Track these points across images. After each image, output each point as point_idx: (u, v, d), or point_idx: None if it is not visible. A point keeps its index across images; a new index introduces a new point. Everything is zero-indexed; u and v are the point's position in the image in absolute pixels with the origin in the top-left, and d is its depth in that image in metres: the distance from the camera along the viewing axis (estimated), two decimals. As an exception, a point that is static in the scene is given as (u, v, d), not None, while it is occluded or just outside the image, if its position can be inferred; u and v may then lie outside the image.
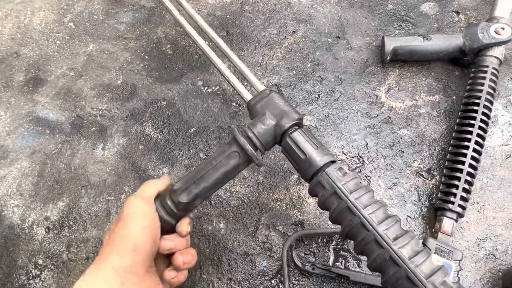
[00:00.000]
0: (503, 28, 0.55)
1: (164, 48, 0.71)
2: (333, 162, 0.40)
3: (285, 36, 0.68)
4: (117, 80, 0.68)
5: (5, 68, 0.71)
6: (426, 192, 0.53)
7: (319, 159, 0.40)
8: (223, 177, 0.43)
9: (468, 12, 0.66)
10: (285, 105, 0.44)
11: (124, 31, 0.74)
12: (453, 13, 0.66)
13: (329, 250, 0.50)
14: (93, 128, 0.63)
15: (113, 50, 0.72)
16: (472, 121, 0.51)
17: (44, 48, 0.74)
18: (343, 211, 0.38)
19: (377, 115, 0.59)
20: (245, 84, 0.61)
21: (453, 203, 0.47)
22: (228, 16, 0.72)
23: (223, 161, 0.42)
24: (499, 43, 0.55)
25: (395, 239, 0.35)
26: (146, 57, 0.70)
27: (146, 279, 0.38)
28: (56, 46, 0.74)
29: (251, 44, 0.68)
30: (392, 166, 0.55)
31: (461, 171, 0.49)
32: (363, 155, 0.56)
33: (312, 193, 0.41)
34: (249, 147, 0.41)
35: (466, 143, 0.50)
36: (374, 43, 0.65)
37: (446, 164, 0.52)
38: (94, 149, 0.62)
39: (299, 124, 0.44)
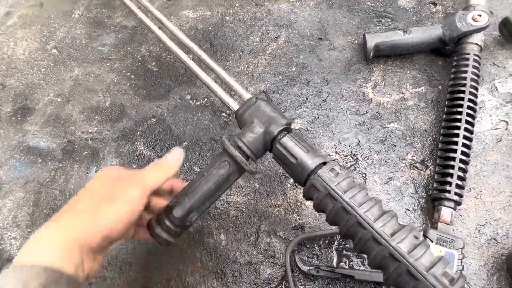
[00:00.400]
0: (479, 15, 0.55)
1: (149, 65, 0.71)
2: (324, 163, 0.41)
3: (268, 43, 0.69)
4: (105, 101, 0.68)
5: (-8, 101, 0.71)
6: (422, 184, 0.53)
7: (311, 162, 0.40)
8: (216, 189, 0.43)
9: (445, 3, 0.67)
10: (272, 112, 0.45)
11: (108, 52, 0.74)
12: (430, 4, 0.67)
13: (331, 251, 0.50)
14: (85, 152, 0.63)
15: (98, 73, 0.72)
16: (459, 109, 0.51)
17: (29, 77, 0.74)
18: (339, 212, 0.38)
19: (366, 112, 0.59)
20: (232, 94, 0.61)
21: (449, 191, 0.47)
22: (210, 28, 0.73)
23: (215, 173, 0.43)
24: (477, 30, 0.55)
25: (393, 234, 0.35)
26: (132, 76, 0.70)
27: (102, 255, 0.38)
28: (42, 74, 0.74)
29: (236, 54, 0.69)
30: (386, 161, 0.55)
31: (454, 159, 0.49)
32: (356, 153, 0.56)
33: (307, 197, 0.41)
34: (240, 157, 0.41)
35: (456, 131, 0.50)
36: (356, 41, 0.66)
37: (438, 153, 0.52)
38: (87, 173, 0.61)
39: (288, 129, 0.45)
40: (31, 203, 0.60)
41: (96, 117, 0.67)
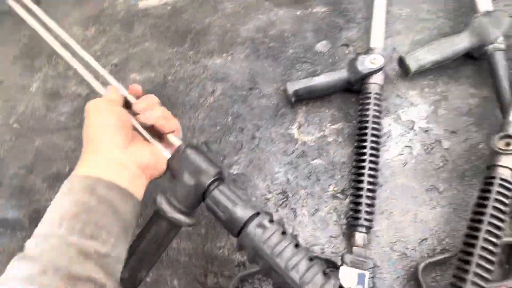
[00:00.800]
0: (375, 59, 0.64)
1: (103, 129, 0.78)
2: (256, 214, 0.43)
3: (206, 97, 0.77)
4: (65, 168, 0.75)
5: (-39, 180, 0.78)
6: (343, 211, 0.60)
7: (240, 216, 0.42)
8: (158, 246, 0.47)
9: (355, 44, 0.76)
10: (201, 161, 0.45)
11: (66, 121, 0.82)
12: (343, 46, 0.77)
13: (270, 284, 0.57)
14: (49, 218, 0.70)
15: (57, 142, 0.79)
16: (364, 143, 0.60)
17: (-6, 153, 0.80)
18: (268, 268, 0.41)
19: (293, 151, 0.67)
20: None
21: (360, 218, 0.55)
22: (155, 88, 0.81)
23: (154, 232, 0.46)
24: (375, 71, 0.64)
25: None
26: (88, 141, 0.77)
27: (135, 142, 0.46)
28: (5, 148, 0.80)
29: (178, 110, 0.77)
30: (312, 195, 0.63)
31: (362, 189, 0.57)
32: (286, 190, 0.64)
33: (240, 250, 0.44)
34: (173, 217, 0.44)
35: (362, 164, 0.58)
36: (281, 88, 0.74)
37: (351, 184, 0.60)
38: (53, 237, 0.68)
39: (219, 178, 0.46)
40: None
41: (58, 183, 0.73)
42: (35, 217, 0.70)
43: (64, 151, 0.77)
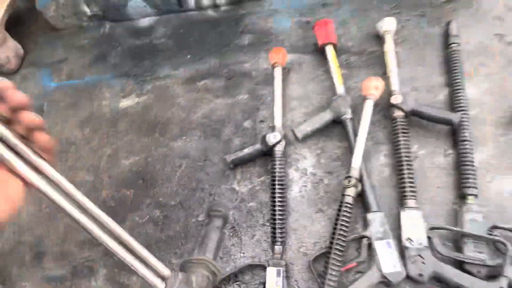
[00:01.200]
0: (275, 135, 1.04)
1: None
2: None
3: (176, 170, 1.15)
4: (88, 234, 1.11)
5: None
6: (270, 234, 0.98)
7: None
8: None
9: (268, 119, 1.16)
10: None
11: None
12: (260, 122, 1.16)
13: (239, 286, 0.94)
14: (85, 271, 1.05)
15: (79, 216, 1.15)
16: (274, 189, 0.98)
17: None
18: None
19: (236, 199, 1.05)
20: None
21: (276, 237, 0.94)
22: (140, 169, 1.18)
23: None
24: (277, 143, 1.04)
25: None
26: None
27: None
28: (43, 227, 1.15)
29: (158, 182, 1.14)
30: (250, 226, 1.01)
31: (275, 218, 0.95)
32: (234, 225, 1.02)
33: None
34: None
35: (274, 202, 0.97)
36: (224, 157, 1.13)
37: (270, 216, 0.99)
38: (89, 282, 1.03)
39: None
40: (61, 311, 1.00)
41: (86, 246, 1.09)
42: (74, 272, 1.05)
43: None
